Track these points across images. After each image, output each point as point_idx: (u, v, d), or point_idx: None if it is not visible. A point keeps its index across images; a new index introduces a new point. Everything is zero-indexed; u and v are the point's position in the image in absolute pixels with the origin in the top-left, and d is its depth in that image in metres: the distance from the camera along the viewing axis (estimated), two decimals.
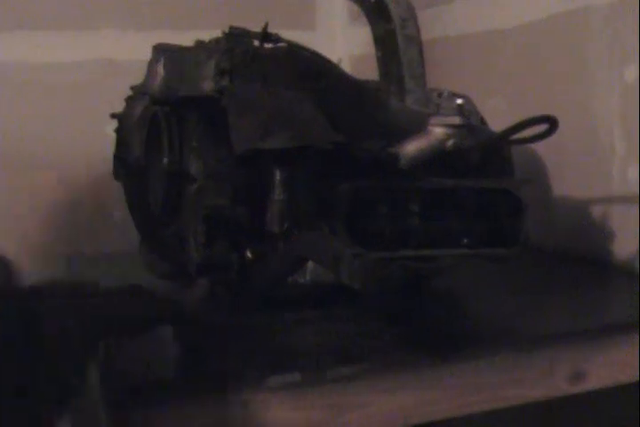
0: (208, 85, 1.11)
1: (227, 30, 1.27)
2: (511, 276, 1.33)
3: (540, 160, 1.57)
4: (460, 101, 1.21)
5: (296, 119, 1.05)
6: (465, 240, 1.16)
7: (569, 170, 1.54)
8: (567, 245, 1.53)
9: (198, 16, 2.20)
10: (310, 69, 1.14)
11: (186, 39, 2.00)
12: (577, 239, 1.53)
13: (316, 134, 1.02)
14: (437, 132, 1.11)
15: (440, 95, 1.40)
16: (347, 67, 2.20)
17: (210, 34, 2.19)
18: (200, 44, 1.21)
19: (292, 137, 1.01)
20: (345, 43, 2.28)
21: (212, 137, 1.17)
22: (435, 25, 1.88)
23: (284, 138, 1.01)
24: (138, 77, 1.52)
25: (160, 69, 1.16)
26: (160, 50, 1.23)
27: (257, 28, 2.18)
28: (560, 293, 1.32)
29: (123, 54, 2.08)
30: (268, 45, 1.24)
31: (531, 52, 1.64)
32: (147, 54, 2.12)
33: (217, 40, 1.16)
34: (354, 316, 1.20)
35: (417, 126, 1.13)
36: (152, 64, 1.22)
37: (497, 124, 1.43)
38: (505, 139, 1.08)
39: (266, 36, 1.15)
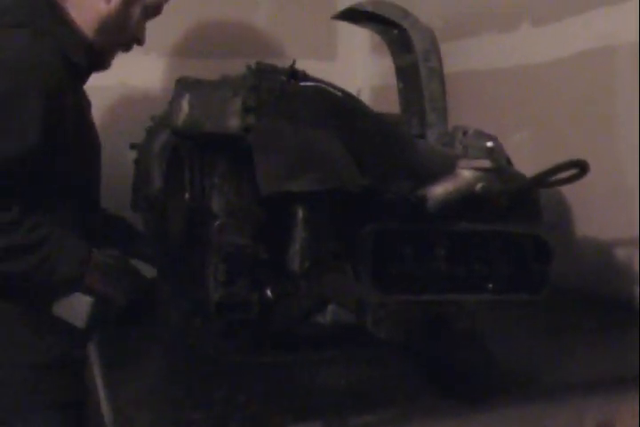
0: (234, 122, 1.09)
1: (252, 64, 1.26)
2: (536, 319, 1.30)
3: (566, 201, 1.55)
4: (490, 144, 1.18)
5: (323, 160, 1.03)
6: (490, 285, 1.14)
7: (594, 211, 1.51)
8: (591, 287, 1.50)
9: (221, 44, 2.19)
10: (339, 108, 1.11)
11: (208, 67, 2.00)
12: (601, 281, 1.50)
13: (343, 177, 1.00)
14: (466, 175, 1.09)
15: (465, 133, 1.38)
16: (366, 97, 2.18)
17: (232, 62, 2.20)
18: (226, 80, 1.19)
19: (319, 180, 0.99)
20: (365, 73, 2.26)
21: (235, 174, 1.15)
22: (459, 58, 1.86)
23: (312, 180, 0.99)
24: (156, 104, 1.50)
25: (185, 105, 1.14)
26: (184, 84, 1.21)
27: (278, 58, 2.19)
28: (587, 338, 1.28)
29: (141, 80, 2.07)
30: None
31: (557, 88, 1.62)
32: (164, 80, 2.13)
33: (244, 76, 1.14)
34: (375, 357, 1.17)
35: (445, 168, 1.11)
36: (176, 98, 1.20)
37: (521, 159, 1.41)
38: (537, 184, 1.05)
39: (293, 72, 1.13)
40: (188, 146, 1.21)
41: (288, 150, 1.03)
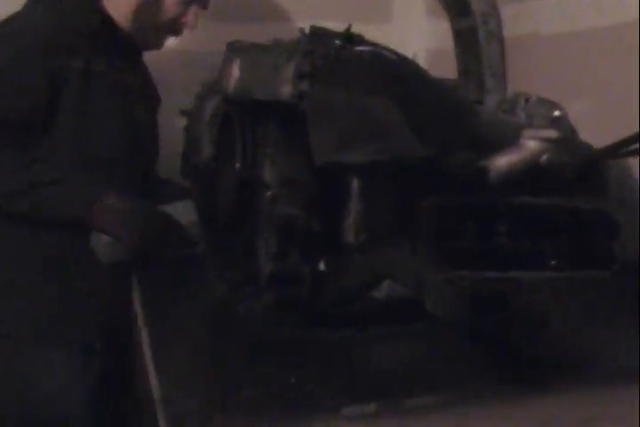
0: (286, 89, 1.04)
1: (305, 28, 1.21)
2: (603, 299, 1.24)
3: (630, 169, 1.47)
4: (557, 113, 1.12)
5: (380, 129, 0.97)
6: (553, 262, 1.09)
7: None
8: None
9: (272, 8, 2.14)
10: (396, 74, 1.06)
11: (257, 31, 1.95)
12: None
13: (401, 148, 0.95)
14: (531, 145, 1.03)
15: (528, 100, 1.32)
16: (422, 61, 2.11)
17: (284, 26, 2.15)
18: (278, 44, 1.14)
19: (376, 150, 0.94)
20: (421, 36, 2.19)
21: (289, 143, 1.11)
22: (519, 22, 1.78)
23: (368, 150, 0.94)
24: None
25: (235, 70, 1.10)
26: (235, 49, 1.17)
27: (331, 21, 2.13)
28: None
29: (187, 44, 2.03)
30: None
31: (624, 53, 1.53)
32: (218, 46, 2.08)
33: (297, 41, 1.09)
34: (431, 335, 1.13)
35: (508, 138, 1.06)
36: (226, 63, 1.16)
37: (583, 127, 1.34)
38: (605, 157, 0.99)
39: (349, 37, 1.07)
40: (240, 113, 1.17)
41: (343, 119, 0.98)
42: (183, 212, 1.58)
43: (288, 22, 2.15)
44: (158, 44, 1.71)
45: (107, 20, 1.61)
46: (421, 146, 0.95)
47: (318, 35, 1.07)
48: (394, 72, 1.06)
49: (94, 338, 1.62)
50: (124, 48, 1.66)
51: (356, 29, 1.80)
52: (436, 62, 2.04)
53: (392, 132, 0.97)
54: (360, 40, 1.09)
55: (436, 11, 2.06)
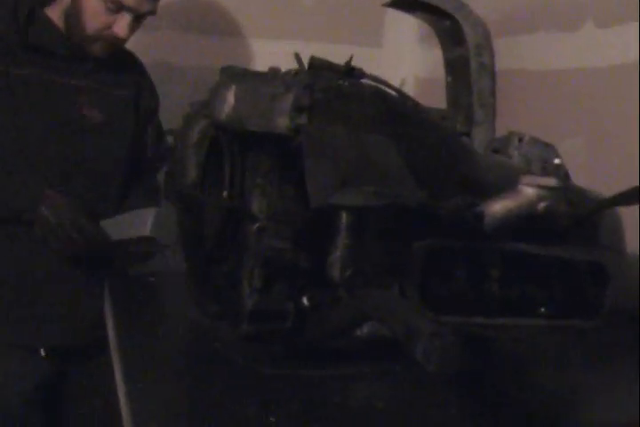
0: (283, 122, 1.01)
1: (298, 52, 1.19)
2: (589, 345, 1.21)
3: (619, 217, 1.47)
4: (557, 161, 1.10)
5: (379, 170, 0.95)
6: (543, 309, 1.07)
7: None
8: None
9: (265, 25, 2.12)
10: (396, 112, 1.03)
11: (249, 47, 1.93)
12: None
13: (400, 192, 0.92)
14: (529, 192, 1.01)
15: (521, 140, 1.31)
16: (410, 89, 2.10)
17: (275, 44, 2.13)
18: (275, 73, 1.11)
19: (373, 193, 0.91)
20: (411, 63, 2.18)
21: (280, 175, 1.08)
22: (512, 55, 1.78)
23: (366, 194, 0.91)
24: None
25: (230, 97, 1.06)
26: (230, 74, 1.14)
27: (322, 42, 2.11)
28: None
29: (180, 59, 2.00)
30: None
31: (617, 95, 1.53)
32: (204, 60, 2.06)
33: (296, 72, 1.06)
34: (413, 376, 1.10)
35: (506, 183, 1.04)
36: (220, 88, 1.12)
37: (573, 165, 1.33)
38: (606, 208, 0.98)
39: (350, 70, 1.05)
40: (230, 140, 1.14)
41: (342, 157, 0.95)
42: (140, 221, 1.57)
43: (278, 41, 2.14)
44: (99, 52, 1.68)
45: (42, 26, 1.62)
46: (420, 191, 0.93)
47: (318, 66, 1.05)
48: (394, 111, 1.03)
49: (41, 344, 1.61)
50: (69, 53, 1.66)
51: (347, 52, 1.78)
52: (424, 90, 2.03)
53: (391, 175, 0.94)
54: (361, 74, 1.06)
55: (428, 38, 2.04)
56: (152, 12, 1.64)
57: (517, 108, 1.77)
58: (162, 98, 1.84)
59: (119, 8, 1.59)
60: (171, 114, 1.75)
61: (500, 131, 1.73)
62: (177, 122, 1.72)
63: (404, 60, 2.18)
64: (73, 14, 1.61)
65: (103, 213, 1.65)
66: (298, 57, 1.21)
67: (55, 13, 1.65)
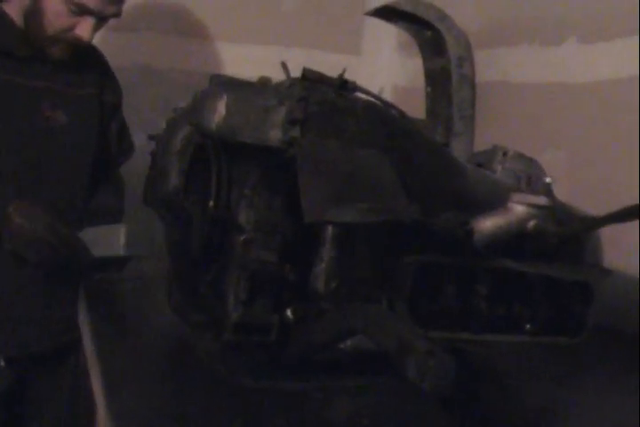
0: (275, 134, 1.00)
1: (285, 62, 1.18)
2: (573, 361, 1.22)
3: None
4: (548, 180, 1.11)
5: (373, 186, 0.95)
6: (528, 326, 1.08)
7: (628, 243, 1.44)
8: (622, 326, 1.42)
9: (243, 30, 2.11)
10: (389, 127, 1.03)
11: (229, 51, 1.91)
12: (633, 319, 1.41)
13: (394, 208, 0.92)
14: (519, 210, 1.02)
15: (505, 154, 1.31)
16: (388, 97, 2.10)
17: (254, 49, 2.11)
18: (266, 84, 1.10)
19: (368, 210, 0.91)
20: (389, 72, 2.18)
21: (268, 187, 1.07)
22: (493, 67, 1.78)
23: (360, 211, 0.91)
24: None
25: (221, 107, 1.05)
26: (220, 83, 1.13)
27: (300, 48, 2.11)
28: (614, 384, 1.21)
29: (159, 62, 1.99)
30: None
31: (598, 111, 1.54)
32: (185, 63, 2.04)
33: (290, 84, 1.05)
34: (397, 390, 1.10)
35: (496, 199, 1.04)
36: (209, 97, 1.11)
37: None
38: (593, 229, 0.99)
39: (343, 84, 1.04)
40: (217, 150, 1.13)
41: (336, 172, 0.95)
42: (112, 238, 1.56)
43: (258, 45, 2.12)
44: (59, 54, 1.61)
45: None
46: (413, 208, 0.93)
47: (312, 78, 1.04)
48: (387, 125, 1.03)
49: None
50: (29, 54, 1.60)
51: (325, 59, 1.77)
52: (402, 99, 2.03)
53: (384, 190, 0.94)
54: (354, 87, 1.06)
55: (407, 47, 2.05)
56: (116, 15, 1.58)
57: (497, 120, 1.77)
58: (140, 100, 1.82)
59: (83, 11, 1.52)
60: (149, 116, 1.74)
61: (479, 142, 1.74)
62: (155, 124, 1.72)
63: (383, 68, 2.18)
64: (33, 14, 1.53)
65: (71, 215, 1.62)
66: (284, 65, 1.20)
67: (13, 11, 1.56)
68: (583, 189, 1.44)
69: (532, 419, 1.06)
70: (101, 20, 1.57)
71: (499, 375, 1.15)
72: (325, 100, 1.00)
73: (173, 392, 1.10)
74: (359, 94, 1.11)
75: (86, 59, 1.68)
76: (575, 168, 1.56)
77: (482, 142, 1.63)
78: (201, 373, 1.14)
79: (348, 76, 1.15)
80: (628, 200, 1.07)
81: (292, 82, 1.05)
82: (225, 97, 1.05)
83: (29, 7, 1.54)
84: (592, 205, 1.42)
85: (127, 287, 1.56)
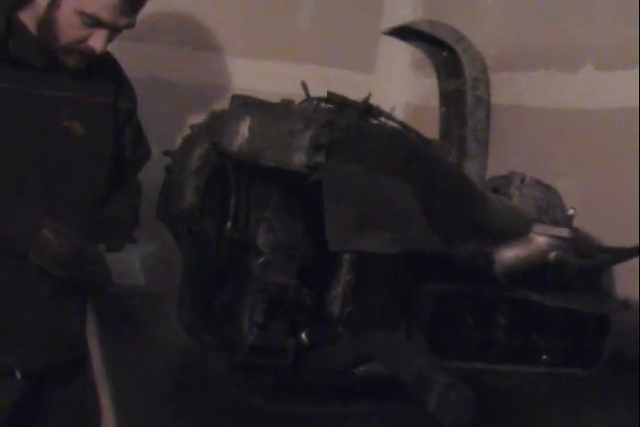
0: (300, 158, 1.00)
1: (305, 83, 1.18)
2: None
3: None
4: (571, 211, 1.11)
5: (397, 216, 0.94)
6: (545, 357, 1.07)
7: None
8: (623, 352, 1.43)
9: (259, 46, 2.10)
10: (412, 153, 1.03)
11: (242, 66, 1.90)
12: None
13: (417, 239, 0.92)
14: (540, 241, 1.01)
15: (523, 180, 1.31)
16: (400, 116, 2.10)
17: (268, 64, 2.11)
18: (289, 107, 1.10)
19: (392, 240, 0.90)
20: (403, 91, 2.18)
21: (287, 210, 1.07)
22: (508, 91, 1.78)
23: (384, 240, 0.90)
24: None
25: (244, 129, 1.05)
26: (243, 104, 1.12)
27: (315, 65, 2.10)
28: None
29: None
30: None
31: (613, 137, 1.54)
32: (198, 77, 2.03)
33: (315, 107, 1.05)
34: (409, 416, 1.09)
35: (517, 229, 1.04)
36: (232, 118, 1.10)
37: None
38: (615, 263, 0.98)
39: (368, 109, 1.04)
40: (237, 171, 1.12)
41: (360, 198, 0.94)
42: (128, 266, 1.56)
43: (272, 61, 2.12)
44: (72, 64, 1.59)
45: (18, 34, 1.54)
46: (436, 237, 0.92)
47: (338, 103, 1.04)
48: (411, 153, 1.03)
49: (17, 366, 1.58)
50: (44, 64, 1.58)
51: (339, 76, 1.76)
52: (414, 118, 2.03)
53: (408, 221, 0.94)
54: (379, 112, 1.06)
55: (421, 66, 2.05)
56: (130, 26, 1.57)
57: (510, 143, 1.77)
58: (151, 112, 1.81)
59: (96, 23, 1.51)
60: (160, 128, 1.73)
61: (492, 165, 1.73)
62: (166, 135, 1.70)
63: (396, 86, 2.17)
64: (46, 24, 1.52)
65: (92, 225, 1.61)
66: (304, 85, 1.20)
67: (29, 20, 1.55)
68: (596, 217, 1.43)
69: None
70: (115, 31, 1.57)
71: (513, 406, 1.15)
72: (351, 126, 1.00)
73: (184, 413, 1.10)
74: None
75: (100, 66, 1.68)
76: (588, 196, 1.55)
77: (494, 165, 1.62)
78: (212, 394, 1.14)
79: (360, 94, 1.15)
80: None
81: (316, 106, 1.05)
82: (248, 119, 1.05)
83: (43, 17, 1.52)
84: (604, 234, 1.42)
85: (137, 303, 1.55)
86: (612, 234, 1.37)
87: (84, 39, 1.53)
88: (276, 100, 1.13)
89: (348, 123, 1.00)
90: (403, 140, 1.03)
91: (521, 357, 1.06)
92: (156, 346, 1.34)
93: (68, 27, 1.51)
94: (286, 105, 1.10)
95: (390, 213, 0.94)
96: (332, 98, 1.06)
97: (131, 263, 1.55)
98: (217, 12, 2.03)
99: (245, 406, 1.10)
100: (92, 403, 1.34)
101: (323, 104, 1.08)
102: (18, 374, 1.57)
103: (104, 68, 1.70)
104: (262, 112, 1.06)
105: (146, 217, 1.64)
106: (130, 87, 1.77)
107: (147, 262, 1.57)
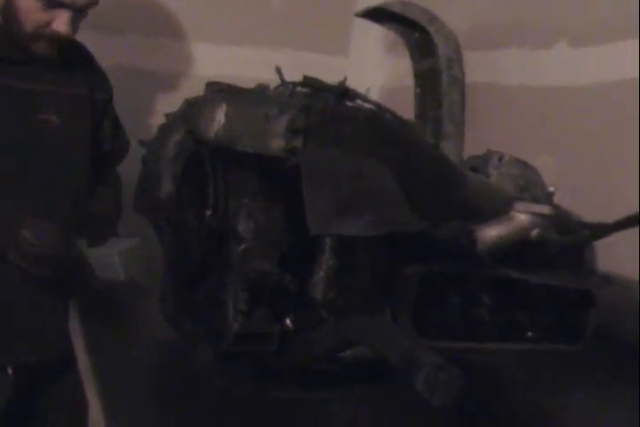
0: (277, 143, 0.99)
1: (280, 67, 1.17)
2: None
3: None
4: (551, 189, 1.11)
5: (378, 198, 0.94)
6: (530, 333, 1.08)
7: (611, 244, 1.44)
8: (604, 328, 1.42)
9: (232, 32, 2.09)
10: (391, 135, 1.02)
11: (215, 52, 1.89)
12: (615, 321, 1.41)
13: (400, 220, 0.91)
14: (522, 219, 1.01)
15: (500, 159, 1.31)
16: (375, 98, 2.09)
17: (242, 50, 2.09)
18: (264, 91, 1.09)
19: (374, 223, 0.90)
20: (377, 72, 2.17)
21: (266, 196, 1.06)
22: (482, 69, 1.78)
23: (365, 223, 0.90)
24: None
25: (220, 115, 1.04)
26: (218, 90, 1.11)
27: (288, 49, 2.09)
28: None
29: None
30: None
31: (588, 113, 1.54)
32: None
33: (291, 92, 1.04)
34: (397, 398, 1.09)
35: (498, 208, 1.04)
36: (207, 105, 1.09)
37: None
38: (596, 238, 0.98)
39: (344, 92, 1.03)
40: (214, 158, 1.11)
41: (339, 182, 0.94)
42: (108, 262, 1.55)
43: (245, 47, 2.10)
44: (43, 51, 1.58)
45: None
46: (417, 219, 0.92)
47: (314, 87, 1.03)
48: (389, 134, 1.02)
49: (9, 362, 1.59)
50: (18, 56, 1.57)
51: (313, 60, 1.75)
52: (389, 100, 2.02)
53: (389, 203, 0.93)
54: (354, 95, 1.05)
55: (395, 48, 2.04)
56: (91, 5, 1.54)
57: (486, 122, 1.77)
58: (125, 101, 1.79)
59: (54, 4, 1.49)
60: (134, 117, 1.72)
61: (469, 144, 1.73)
62: (140, 125, 1.68)
63: (370, 69, 2.16)
64: (8, 12, 1.51)
65: (76, 219, 1.60)
66: (279, 70, 1.19)
67: None
68: (574, 194, 1.43)
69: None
70: (78, 11, 1.54)
71: (500, 383, 1.15)
72: (327, 109, 0.99)
73: (172, 405, 1.09)
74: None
75: (74, 57, 1.66)
76: (566, 173, 1.55)
77: (472, 145, 1.62)
78: (198, 385, 1.13)
79: (335, 77, 1.14)
80: (619, 205, 1.08)
81: (292, 90, 1.04)
82: (224, 105, 1.04)
83: (3, 6, 1.51)
84: (582, 211, 1.43)
85: (120, 296, 1.54)
86: (589, 211, 1.37)
87: (48, 23, 1.51)
88: (250, 85, 1.12)
89: (325, 106, 0.99)
90: (379, 121, 1.03)
91: (506, 334, 1.06)
92: (140, 339, 1.33)
93: (29, 11, 1.50)
94: (262, 90, 1.09)
95: (370, 195, 0.94)
96: (308, 82, 1.05)
97: (110, 257, 1.54)
98: (190, 1, 2.02)
99: (232, 396, 1.09)
100: (83, 400, 1.34)
101: (299, 88, 1.07)
102: (9, 371, 1.56)
103: (78, 60, 1.68)
104: (238, 98, 1.05)
105: (125, 211, 1.62)
106: (105, 78, 1.75)
107: (126, 257, 1.56)
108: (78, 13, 1.54)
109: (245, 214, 1.06)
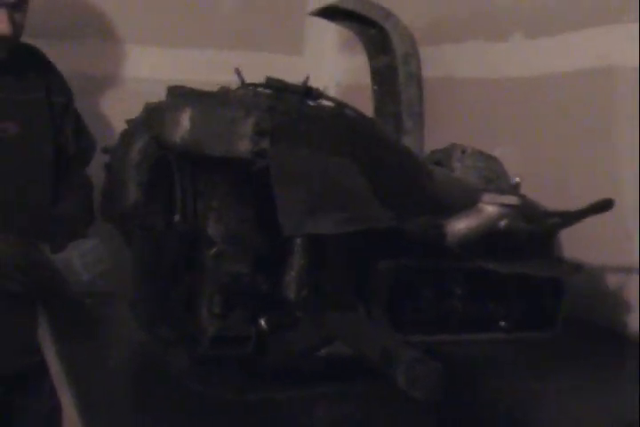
0: (244, 146, 0.99)
1: (239, 69, 1.17)
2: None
3: None
4: (517, 179, 1.12)
5: (347, 195, 0.94)
6: (503, 323, 1.09)
7: (585, 234, 1.47)
8: (582, 316, 1.44)
9: (184, 35, 2.08)
10: (357, 133, 1.03)
11: (169, 56, 1.88)
12: (593, 310, 1.43)
13: (371, 216, 0.92)
14: (490, 210, 1.03)
15: (464, 152, 1.32)
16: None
17: (195, 53, 2.08)
18: (227, 94, 1.09)
19: (345, 220, 0.90)
20: (333, 71, 2.17)
21: (235, 198, 1.06)
22: (439, 64, 1.79)
23: (337, 221, 0.90)
24: None
25: (184, 120, 1.03)
26: (181, 95, 1.10)
27: (243, 51, 2.09)
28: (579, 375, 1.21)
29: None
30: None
31: (546, 103, 1.57)
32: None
33: (254, 93, 1.04)
34: (376, 394, 1.10)
35: (466, 200, 1.05)
36: (170, 109, 1.09)
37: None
38: (564, 226, 1.00)
39: (308, 91, 1.04)
40: (180, 163, 1.11)
41: (309, 181, 0.94)
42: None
43: (198, 49, 2.09)
44: None
45: None
46: (387, 214, 0.93)
47: (278, 88, 1.03)
48: (354, 131, 1.03)
49: None
50: None
51: (268, 60, 1.75)
52: (346, 98, 2.03)
53: (359, 199, 0.94)
54: (318, 94, 1.05)
55: (350, 45, 2.05)
56: None
57: (445, 116, 1.79)
58: (80, 108, 1.77)
59: None
60: (94, 125, 1.70)
61: (430, 139, 1.74)
62: (103, 132, 1.67)
63: (326, 67, 2.17)
64: None
65: (40, 226, 1.58)
66: (238, 72, 1.19)
67: None
68: (535, 184, 1.46)
69: (513, 414, 1.07)
70: (14, 8, 1.50)
71: (477, 374, 1.16)
72: (292, 110, 0.99)
73: (150, 411, 1.09)
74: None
75: (28, 61, 1.63)
76: (526, 163, 1.57)
77: (433, 139, 1.64)
78: (174, 388, 1.12)
79: (290, 76, 1.14)
80: (581, 194, 1.10)
81: (255, 92, 1.04)
82: (188, 110, 1.04)
83: None
84: (544, 201, 1.45)
85: (90, 303, 1.53)
86: (550, 201, 1.39)
87: None
88: (206, 88, 1.12)
89: (289, 107, 1.00)
90: (344, 119, 1.03)
91: (480, 325, 1.07)
92: (113, 345, 1.33)
93: None
94: (225, 93, 1.09)
95: (340, 192, 0.95)
96: (270, 83, 1.05)
97: (69, 260, 1.53)
98: (138, 4, 2.00)
99: (211, 399, 1.09)
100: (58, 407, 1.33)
101: (260, 89, 1.07)
102: None
103: (32, 65, 1.65)
104: (202, 101, 1.05)
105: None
106: (62, 81, 1.73)
107: (86, 258, 1.55)
108: (15, 10, 1.50)
109: (215, 218, 1.06)
